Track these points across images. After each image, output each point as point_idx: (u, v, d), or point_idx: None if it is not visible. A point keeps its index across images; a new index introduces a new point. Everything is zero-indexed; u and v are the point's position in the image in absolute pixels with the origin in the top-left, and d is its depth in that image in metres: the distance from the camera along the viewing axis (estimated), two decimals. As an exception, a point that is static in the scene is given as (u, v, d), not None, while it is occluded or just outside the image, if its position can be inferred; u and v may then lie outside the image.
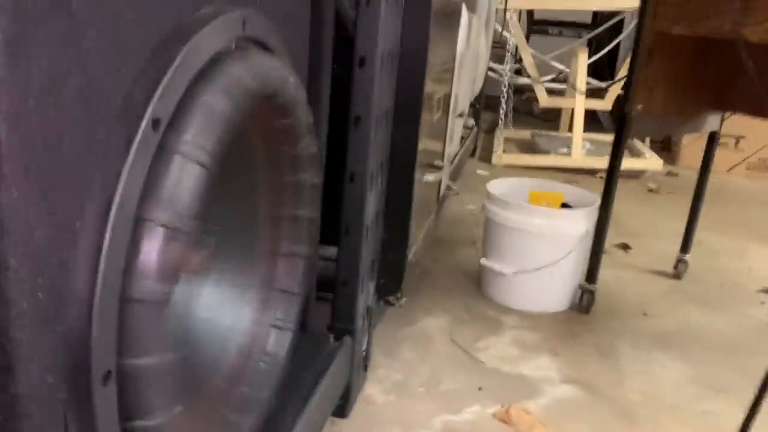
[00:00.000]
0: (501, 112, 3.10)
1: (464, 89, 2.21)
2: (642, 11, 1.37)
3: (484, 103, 3.30)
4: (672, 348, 1.48)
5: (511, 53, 3.02)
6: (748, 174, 3.11)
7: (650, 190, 2.75)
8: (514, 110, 4.03)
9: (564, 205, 1.66)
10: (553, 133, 3.33)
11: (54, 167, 0.38)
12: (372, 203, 1.06)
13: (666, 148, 3.38)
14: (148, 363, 0.44)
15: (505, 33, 3.13)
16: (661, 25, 1.37)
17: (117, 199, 0.42)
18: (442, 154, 1.50)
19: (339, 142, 1.00)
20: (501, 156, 2.93)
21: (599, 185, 1.59)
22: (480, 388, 1.27)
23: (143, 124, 0.43)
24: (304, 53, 0.82)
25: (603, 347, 1.46)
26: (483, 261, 1.62)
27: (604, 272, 1.79)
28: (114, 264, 0.42)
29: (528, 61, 3.06)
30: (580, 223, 1.53)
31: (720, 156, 2.16)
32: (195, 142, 0.46)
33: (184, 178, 0.45)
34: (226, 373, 0.69)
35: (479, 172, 2.82)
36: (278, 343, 0.75)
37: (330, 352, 1.03)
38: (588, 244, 1.57)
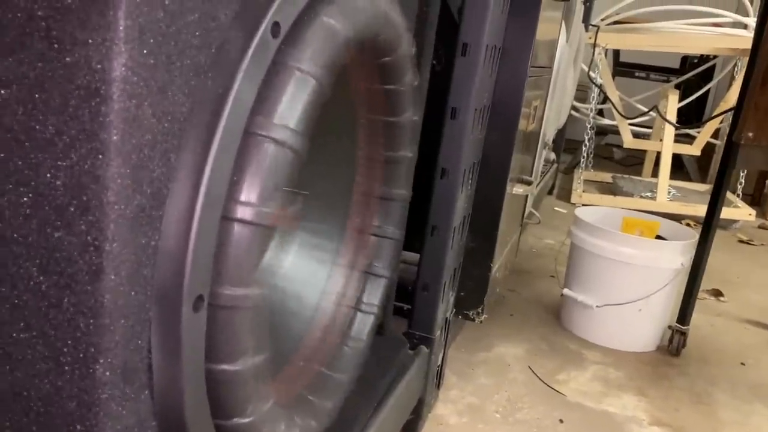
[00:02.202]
0: (583, 149, 3.01)
1: (552, 118, 2.15)
2: (759, 29, 1.28)
3: (563, 146, 3.22)
4: (773, 401, 1.34)
5: (597, 92, 2.94)
6: None
7: (741, 241, 2.59)
8: (594, 155, 3.92)
9: (658, 238, 1.55)
10: (635, 177, 3.20)
11: (165, 57, 0.34)
12: (461, 204, 1.00)
13: (756, 201, 3.19)
14: (246, 294, 0.39)
15: (590, 72, 3.06)
16: (779, 48, 1.28)
17: (228, 106, 0.37)
18: (531, 170, 1.43)
19: (429, 140, 0.96)
20: (581, 195, 2.83)
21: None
22: (561, 421, 1.17)
23: (262, 27, 0.39)
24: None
25: (697, 393, 1.33)
26: (565, 291, 1.52)
27: (695, 317, 1.67)
28: (219, 178, 0.38)
29: (614, 100, 2.97)
30: (676, 257, 1.42)
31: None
32: (313, 59, 0.41)
33: (300, 94, 0.40)
34: (309, 352, 0.63)
35: (557, 209, 2.72)
36: (362, 327, 0.69)
37: (405, 361, 0.96)
38: (682, 281, 1.46)
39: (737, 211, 2.69)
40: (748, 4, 2.92)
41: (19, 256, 0.34)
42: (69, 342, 0.35)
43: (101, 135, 0.32)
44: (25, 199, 0.34)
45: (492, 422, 1.13)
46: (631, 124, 3.31)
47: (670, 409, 1.26)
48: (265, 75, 0.40)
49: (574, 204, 2.81)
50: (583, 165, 3.07)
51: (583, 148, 3.01)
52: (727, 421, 1.24)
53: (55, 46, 0.31)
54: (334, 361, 0.65)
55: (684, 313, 1.47)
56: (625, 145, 3.07)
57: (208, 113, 0.37)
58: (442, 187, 0.96)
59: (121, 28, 0.31)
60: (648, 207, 2.76)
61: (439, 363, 1.11)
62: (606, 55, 3.57)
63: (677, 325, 1.48)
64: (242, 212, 0.38)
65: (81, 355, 0.34)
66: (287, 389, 0.59)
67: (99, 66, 0.31)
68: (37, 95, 0.32)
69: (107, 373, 0.35)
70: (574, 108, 3.23)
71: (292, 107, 0.40)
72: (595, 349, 1.47)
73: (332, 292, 0.68)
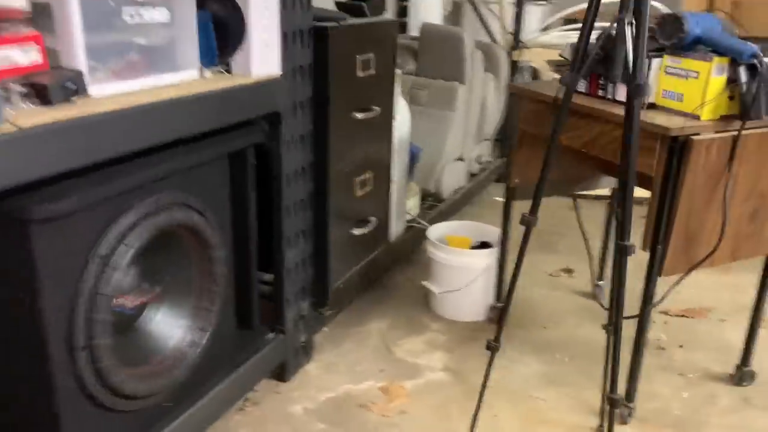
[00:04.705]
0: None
1: (453, 143, 2.84)
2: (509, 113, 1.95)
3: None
4: (545, 353, 2.05)
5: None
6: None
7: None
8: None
9: (484, 244, 2.27)
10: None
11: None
12: (291, 256, 1.78)
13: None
14: (99, 344, 1.22)
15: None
16: (525, 127, 1.94)
17: (83, 286, 1.19)
18: (385, 211, 2.18)
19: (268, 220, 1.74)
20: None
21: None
22: (382, 370, 1.95)
23: (94, 258, 1.20)
24: (224, 192, 1.56)
25: (490, 349, 2.07)
26: (423, 282, 2.28)
27: (538, 291, 2.39)
28: (86, 307, 1.20)
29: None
30: (481, 260, 2.14)
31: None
32: (117, 265, 1.22)
33: (112, 282, 1.22)
34: (169, 352, 1.46)
35: (497, 198, 3.39)
36: (198, 337, 1.51)
37: (265, 342, 1.78)
38: (493, 274, 2.17)
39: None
40: (661, 7, 3.38)
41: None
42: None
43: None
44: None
45: (337, 372, 1.93)
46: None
47: (461, 361, 2.01)
48: (101, 268, 1.21)
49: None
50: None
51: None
52: (497, 367, 1.97)
53: None
54: (183, 357, 1.48)
55: (498, 294, 2.19)
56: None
57: (75, 288, 1.19)
58: (278, 246, 1.75)
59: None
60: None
61: (303, 340, 1.92)
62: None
63: (494, 302, 2.20)
64: (98, 316, 1.20)
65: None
66: (156, 370, 1.43)
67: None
68: (24, 298, 1.15)
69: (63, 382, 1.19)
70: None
71: (116, 280, 1.21)
72: (440, 322, 2.22)
73: (186, 322, 1.51)
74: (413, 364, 1.99)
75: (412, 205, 2.66)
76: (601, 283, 2.37)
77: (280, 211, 1.71)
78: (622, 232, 1.27)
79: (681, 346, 2.11)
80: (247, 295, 1.74)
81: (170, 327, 1.49)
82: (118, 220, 1.25)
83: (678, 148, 1.48)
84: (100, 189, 1.18)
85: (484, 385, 1.61)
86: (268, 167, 1.69)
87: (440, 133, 2.81)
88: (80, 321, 1.20)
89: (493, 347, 1.57)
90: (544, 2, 3.97)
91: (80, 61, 1.16)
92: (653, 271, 1.59)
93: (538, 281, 2.51)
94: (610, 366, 1.46)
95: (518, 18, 3.40)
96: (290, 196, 1.72)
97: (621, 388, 1.70)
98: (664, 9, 3.42)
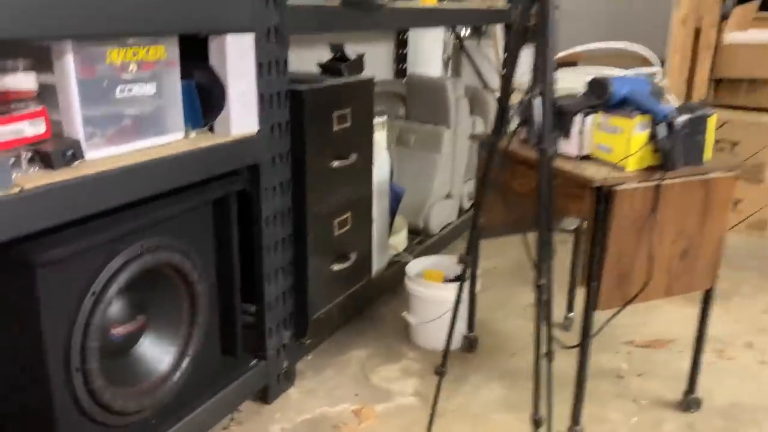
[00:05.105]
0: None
1: (441, 183, 3.05)
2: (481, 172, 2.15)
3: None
4: (507, 379, 2.22)
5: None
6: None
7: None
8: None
9: (459, 278, 2.45)
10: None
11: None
12: (272, 290, 2.00)
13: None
14: (91, 367, 1.44)
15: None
16: (482, 173, 2.14)
17: (78, 318, 1.42)
18: (366, 247, 2.38)
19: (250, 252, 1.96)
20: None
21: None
22: (357, 395, 2.14)
23: (88, 294, 1.43)
24: (209, 234, 1.79)
25: (460, 376, 2.24)
26: (404, 314, 2.47)
27: (514, 322, 2.56)
28: (80, 338, 1.42)
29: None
30: (452, 293, 2.32)
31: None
32: (107, 300, 1.45)
33: (103, 314, 1.44)
34: (158, 375, 1.68)
35: (487, 232, 3.57)
36: (183, 362, 1.73)
37: (248, 368, 1.98)
38: (465, 306, 2.36)
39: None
40: (653, 59, 3.56)
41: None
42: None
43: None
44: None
45: (316, 397, 2.13)
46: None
47: (430, 386, 2.18)
48: (91, 305, 1.44)
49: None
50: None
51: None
52: (462, 392, 2.15)
53: (30, 318, 1.37)
54: (168, 379, 1.69)
55: (470, 324, 2.37)
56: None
57: (72, 321, 1.42)
58: (260, 282, 1.97)
59: (42, 314, 1.36)
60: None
61: (285, 367, 2.12)
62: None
63: (466, 332, 2.38)
64: (89, 344, 1.42)
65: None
66: (143, 391, 1.64)
67: (39, 322, 1.37)
68: (29, 328, 1.38)
69: (60, 391, 1.41)
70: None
71: (101, 317, 1.44)
72: (417, 350, 2.40)
73: (173, 348, 1.73)
74: (386, 389, 2.18)
75: (399, 240, 2.86)
76: (571, 315, 2.53)
77: (260, 251, 1.94)
78: (539, 272, 1.45)
79: (639, 375, 2.26)
80: (231, 325, 1.95)
81: (158, 353, 1.71)
82: (109, 263, 1.48)
83: (603, 197, 1.66)
84: (93, 237, 1.42)
85: (434, 406, 1.79)
86: (251, 209, 1.92)
87: (427, 174, 3.03)
88: (76, 347, 1.43)
89: (440, 372, 1.75)
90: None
91: (78, 131, 1.41)
92: (589, 305, 1.76)
93: (514, 313, 2.68)
94: (534, 390, 1.63)
95: (506, 63, 3.61)
96: (270, 237, 1.95)
97: (566, 412, 1.87)
98: (649, 55, 3.60)
